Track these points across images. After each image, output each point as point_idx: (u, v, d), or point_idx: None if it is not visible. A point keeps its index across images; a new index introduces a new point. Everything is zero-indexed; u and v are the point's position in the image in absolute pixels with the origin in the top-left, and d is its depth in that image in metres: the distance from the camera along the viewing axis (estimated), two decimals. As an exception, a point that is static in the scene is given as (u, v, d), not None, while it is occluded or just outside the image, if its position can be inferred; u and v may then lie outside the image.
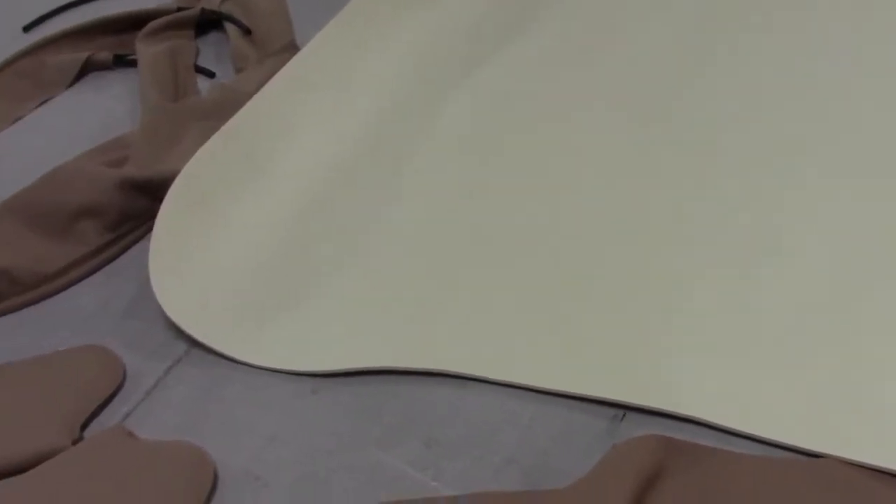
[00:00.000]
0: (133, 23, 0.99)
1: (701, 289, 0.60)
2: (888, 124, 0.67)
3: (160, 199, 0.70)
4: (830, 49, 0.76)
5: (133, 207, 0.73)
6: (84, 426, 0.59)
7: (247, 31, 0.96)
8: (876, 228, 0.60)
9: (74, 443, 0.57)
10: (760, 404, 0.53)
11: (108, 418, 0.60)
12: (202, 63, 0.95)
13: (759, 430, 0.52)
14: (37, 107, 0.93)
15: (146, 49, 0.93)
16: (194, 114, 0.83)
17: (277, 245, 0.70)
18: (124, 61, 0.96)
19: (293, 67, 0.83)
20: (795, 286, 0.58)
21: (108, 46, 0.98)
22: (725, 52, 0.78)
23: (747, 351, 0.56)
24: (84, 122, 0.90)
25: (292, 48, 0.90)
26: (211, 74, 0.93)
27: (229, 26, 0.97)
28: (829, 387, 0.53)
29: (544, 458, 0.53)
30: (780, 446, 0.51)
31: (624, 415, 0.55)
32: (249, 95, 0.80)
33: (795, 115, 0.70)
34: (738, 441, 0.52)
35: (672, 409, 0.54)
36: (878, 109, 0.69)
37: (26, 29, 1.06)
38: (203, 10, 0.99)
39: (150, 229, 0.69)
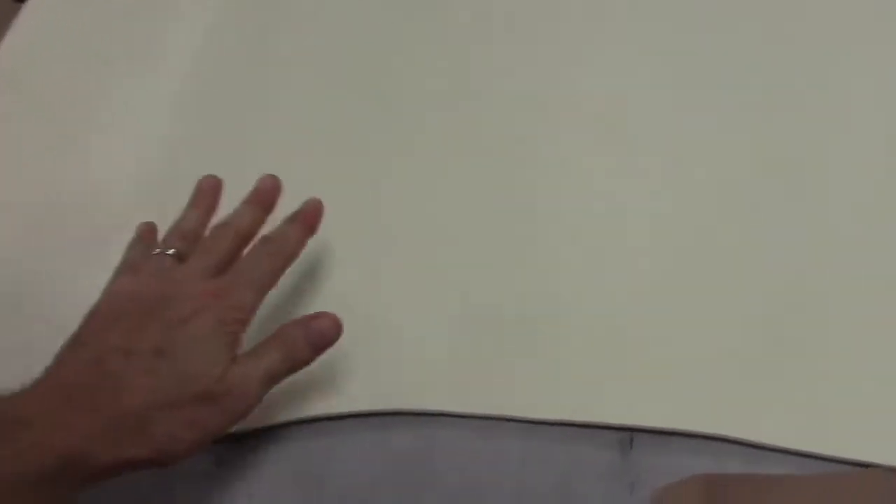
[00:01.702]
0: None
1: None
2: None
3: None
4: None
5: None
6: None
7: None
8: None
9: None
10: (789, 415, 0.45)
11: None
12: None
13: (793, 443, 0.44)
14: None
15: None
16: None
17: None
18: None
19: None
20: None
21: None
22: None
23: (761, 359, 0.47)
24: None
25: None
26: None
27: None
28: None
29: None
30: (819, 458, 0.44)
31: (632, 439, 0.46)
32: None
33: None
34: (770, 458, 0.44)
35: (688, 427, 0.45)
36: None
37: None
38: None
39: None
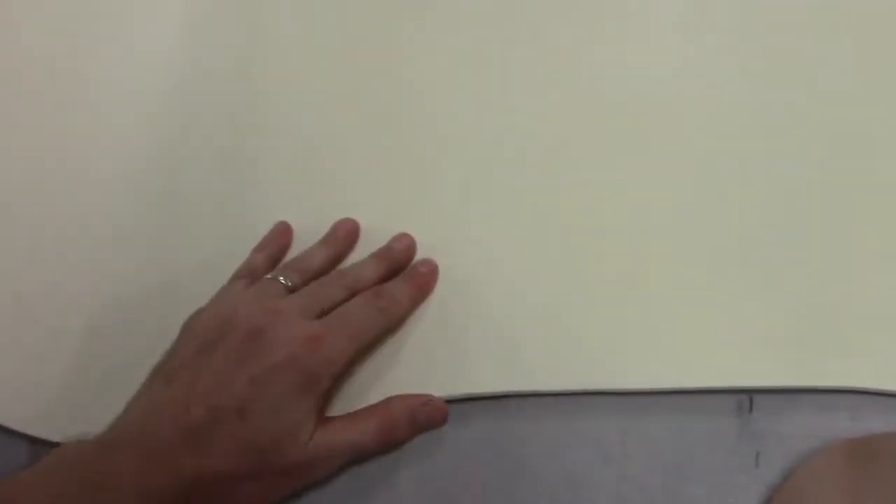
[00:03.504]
0: None
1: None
2: None
3: None
4: None
5: None
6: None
7: None
8: None
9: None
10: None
11: None
12: None
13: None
14: None
15: None
16: None
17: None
18: None
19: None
20: None
21: None
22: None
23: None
24: None
25: None
26: None
27: None
28: None
29: (671, 492, 0.38)
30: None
31: (751, 401, 0.39)
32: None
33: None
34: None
35: (814, 382, 0.39)
36: None
37: None
38: None
39: None
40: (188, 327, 0.39)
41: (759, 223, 0.42)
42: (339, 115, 0.47)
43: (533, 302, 0.42)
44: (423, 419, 0.39)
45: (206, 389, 0.36)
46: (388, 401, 0.39)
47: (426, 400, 0.39)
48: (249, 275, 0.42)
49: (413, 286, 0.42)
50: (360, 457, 0.39)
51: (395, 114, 0.47)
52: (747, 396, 0.39)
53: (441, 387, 0.40)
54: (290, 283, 0.41)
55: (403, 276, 0.42)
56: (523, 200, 0.44)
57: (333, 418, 0.38)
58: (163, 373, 0.38)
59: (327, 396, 0.38)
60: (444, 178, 0.45)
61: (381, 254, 0.43)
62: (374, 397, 0.40)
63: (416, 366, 0.41)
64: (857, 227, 0.42)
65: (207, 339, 0.38)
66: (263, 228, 0.45)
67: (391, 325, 0.41)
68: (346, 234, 0.44)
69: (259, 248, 0.44)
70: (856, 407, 0.39)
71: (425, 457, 0.40)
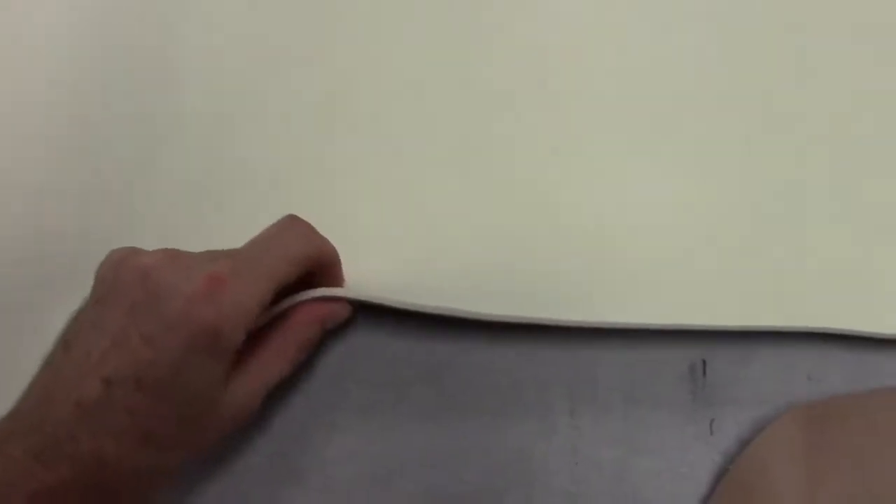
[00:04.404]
0: None
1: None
2: None
3: None
4: None
5: None
6: None
7: None
8: None
9: None
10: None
11: None
12: None
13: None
14: None
15: None
16: None
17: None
18: None
19: None
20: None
21: None
22: None
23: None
24: None
25: None
26: None
27: None
28: None
29: (622, 464, 0.35)
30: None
31: (704, 364, 0.37)
32: None
33: None
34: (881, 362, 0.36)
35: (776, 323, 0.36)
36: None
37: None
38: None
39: None
40: (96, 274, 0.33)
41: (721, 165, 0.39)
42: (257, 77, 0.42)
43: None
44: (330, 324, 0.35)
45: (100, 356, 0.30)
46: (296, 319, 0.34)
47: (332, 309, 0.35)
48: None
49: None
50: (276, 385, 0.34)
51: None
52: (700, 359, 0.37)
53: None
54: None
55: None
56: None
57: (244, 363, 0.32)
58: (63, 337, 0.32)
59: (235, 351, 0.31)
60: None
61: None
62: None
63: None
64: (813, 173, 0.39)
65: (103, 289, 0.32)
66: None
67: (322, 254, 0.34)
68: None
69: None
70: (814, 367, 0.37)
71: (363, 431, 0.36)
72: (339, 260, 0.36)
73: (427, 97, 0.41)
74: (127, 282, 0.31)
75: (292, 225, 0.34)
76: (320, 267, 0.35)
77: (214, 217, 0.39)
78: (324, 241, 0.35)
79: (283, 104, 0.41)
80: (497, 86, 0.40)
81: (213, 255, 0.32)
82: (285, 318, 0.34)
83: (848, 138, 0.39)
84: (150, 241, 0.33)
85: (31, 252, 0.39)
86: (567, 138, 0.40)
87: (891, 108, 0.40)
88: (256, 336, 0.33)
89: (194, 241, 0.33)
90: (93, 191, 0.40)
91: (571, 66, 0.41)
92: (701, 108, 0.40)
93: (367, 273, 0.37)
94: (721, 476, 0.35)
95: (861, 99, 0.40)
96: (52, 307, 0.34)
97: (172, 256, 0.31)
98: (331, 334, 0.36)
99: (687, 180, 0.39)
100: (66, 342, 0.31)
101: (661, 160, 0.39)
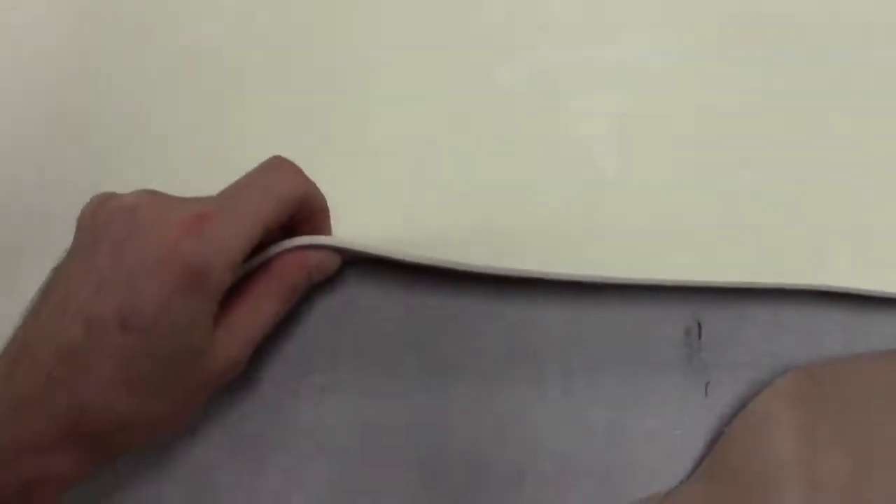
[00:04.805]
0: None
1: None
2: None
3: None
4: None
5: None
6: None
7: None
8: None
9: None
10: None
11: None
12: None
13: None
14: None
15: None
16: None
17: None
18: None
19: None
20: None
21: None
22: None
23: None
24: None
25: None
26: None
27: None
28: None
29: (617, 426, 0.35)
30: None
31: (699, 326, 0.36)
32: None
33: None
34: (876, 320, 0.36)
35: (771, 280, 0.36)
36: None
37: None
38: None
39: None
40: (78, 222, 0.32)
41: (712, 126, 0.39)
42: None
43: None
44: (317, 274, 0.35)
45: (83, 297, 0.29)
46: (280, 266, 0.33)
47: (318, 258, 0.34)
48: None
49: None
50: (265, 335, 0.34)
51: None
52: (695, 321, 0.36)
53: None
54: None
55: None
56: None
57: (231, 310, 0.32)
58: (46, 283, 0.32)
59: (221, 295, 0.31)
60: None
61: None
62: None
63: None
64: (809, 131, 0.38)
65: (85, 234, 0.31)
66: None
67: (310, 196, 0.34)
68: None
69: None
70: (810, 329, 0.36)
71: (354, 397, 0.36)
72: (327, 207, 0.35)
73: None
74: (110, 221, 0.30)
75: (280, 165, 0.33)
76: (308, 212, 0.34)
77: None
78: (312, 184, 0.34)
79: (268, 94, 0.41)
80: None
81: (197, 198, 0.32)
82: (269, 266, 0.33)
83: (843, 98, 0.39)
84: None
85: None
86: (560, 94, 0.39)
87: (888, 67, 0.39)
88: (240, 286, 0.33)
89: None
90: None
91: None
92: (699, 65, 0.40)
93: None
94: (717, 437, 0.34)
95: (859, 57, 0.39)
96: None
97: (156, 195, 0.31)
98: (319, 290, 0.36)
99: (684, 139, 0.38)
100: (47, 290, 0.31)
101: (657, 120, 0.39)
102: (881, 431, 0.33)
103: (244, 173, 0.33)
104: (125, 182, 0.33)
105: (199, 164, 0.39)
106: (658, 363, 0.36)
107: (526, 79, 0.40)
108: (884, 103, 0.38)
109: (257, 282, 0.33)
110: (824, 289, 0.35)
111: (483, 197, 0.38)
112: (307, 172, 0.34)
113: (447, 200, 0.38)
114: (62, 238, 0.32)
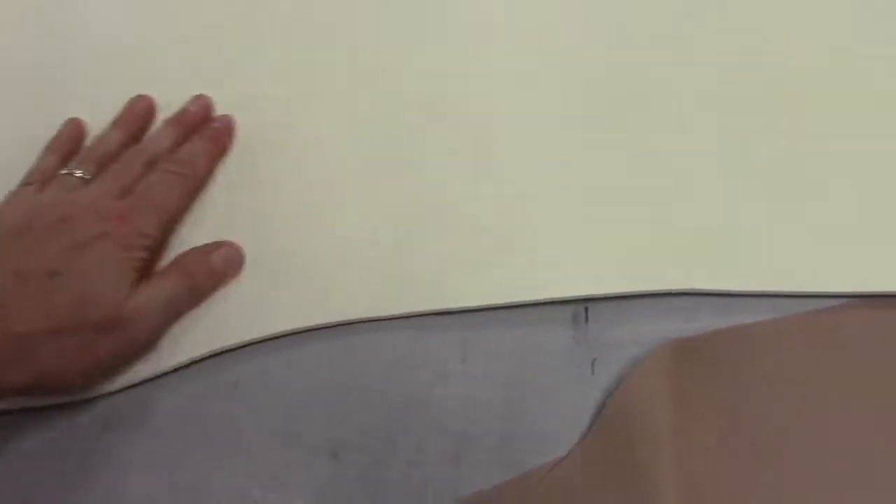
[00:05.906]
0: None
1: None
2: None
3: None
4: None
5: None
6: None
7: None
8: None
9: None
10: (756, 258, 0.39)
11: None
12: None
13: (764, 285, 0.39)
14: None
15: None
16: None
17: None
18: None
19: None
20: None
21: None
22: None
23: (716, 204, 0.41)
24: None
25: None
26: None
27: None
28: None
29: (510, 405, 0.38)
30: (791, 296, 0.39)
31: (586, 310, 0.39)
32: None
33: None
34: (741, 307, 0.39)
35: (649, 287, 0.39)
36: None
37: None
38: None
39: None
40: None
41: (598, 133, 0.43)
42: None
43: (366, 228, 0.42)
44: (218, 260, 0.40)
45: (12, 264, 0.36)
46: (183, 255, 0.40)
47: (217, 244, 0.41)
48: (41, 176, 0.41)
49: (208, 143, 0.43)
50: (175, 312, 0.39)
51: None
52: (583, 307, 0.39)
53: (281, 321, 0.40)
54: (87, 176, 0.41)
55: (199, 135, 0.43)
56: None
57: (141, 284, 0.39)
58: None
59: (140, 270, 0.39)
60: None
61: (176, 119, 0.44)
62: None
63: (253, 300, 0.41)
64: (696, 140, 0.42)
65: (15, 226, 0.38)
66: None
67: (194, 188, 0.42)
68: (139, 112, 0.44)
69: (50, 149, 0.43)
70: (690, 309, 0.39)
71: (266, 389, 0.39)
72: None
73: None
74: (46, 222, 0.38)
75: (173, 167, 0.41)
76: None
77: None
78: (199, 171, 0.42)
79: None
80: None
81: (107, 192, 0.40)
82: (176, 259, 0.41)
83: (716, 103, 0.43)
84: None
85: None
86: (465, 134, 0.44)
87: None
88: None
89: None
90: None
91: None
92: (582, 80, 0.44)
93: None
94: (600, 410, 0.37)
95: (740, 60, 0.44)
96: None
97: (77, 203, 0.39)
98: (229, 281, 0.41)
99: (566, 150, 0.42)
100: None
101: (553, 135, 0.43)
102: (748, 393, 0.36)
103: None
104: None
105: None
106: (549, 346, 0.39)
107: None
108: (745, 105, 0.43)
109: (166, 268, 0.40)
110: (696, 292, 0.39)
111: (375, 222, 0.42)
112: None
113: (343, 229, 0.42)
114: None
